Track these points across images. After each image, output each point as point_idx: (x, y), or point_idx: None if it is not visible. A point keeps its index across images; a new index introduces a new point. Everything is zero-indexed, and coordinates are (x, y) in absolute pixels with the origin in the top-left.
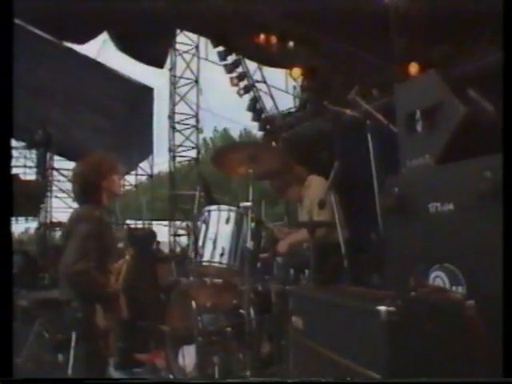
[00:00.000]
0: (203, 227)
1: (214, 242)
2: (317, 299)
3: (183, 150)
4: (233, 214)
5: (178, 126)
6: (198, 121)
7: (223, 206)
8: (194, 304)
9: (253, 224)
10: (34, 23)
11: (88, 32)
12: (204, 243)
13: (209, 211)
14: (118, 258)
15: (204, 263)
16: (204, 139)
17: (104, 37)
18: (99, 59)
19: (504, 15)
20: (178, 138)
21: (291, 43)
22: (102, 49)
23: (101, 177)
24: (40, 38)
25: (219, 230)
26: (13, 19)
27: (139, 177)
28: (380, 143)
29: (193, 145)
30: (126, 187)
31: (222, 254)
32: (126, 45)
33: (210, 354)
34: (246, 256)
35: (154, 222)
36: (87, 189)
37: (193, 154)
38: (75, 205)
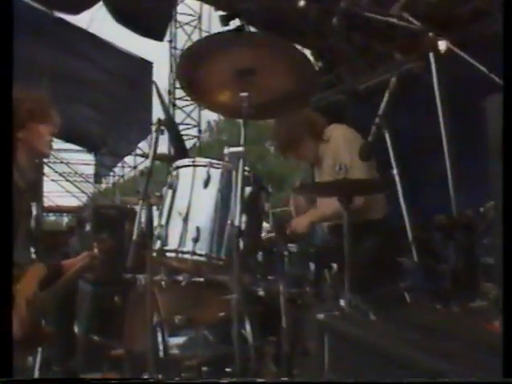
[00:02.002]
0: (168, 195)
1: (186, 219)
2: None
3: (184, 129)
4: (215, 173)
5: (178, 103)
6: None
7: (200, 159)
8: (154, 317)
9: (248, 188)
10: None
11: (82, 1)
12: (168, 220)
13: (177, 168)
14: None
15: (168, 253)
16: (208, 122)
17: (98, 7)
18: (92, 30)
19: (504, 15)
20: (179, 116)
21: (302, 3)
22: (95, 19)
23: (18, 123)
24: (29, 7)
25: (193, 197)
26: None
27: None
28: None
29: (194, 122)
30: (126, 169)
31: (196, 239)
32: (122, 16)
33: None
34: (234, 241)
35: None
36: None
37: (194, 132)
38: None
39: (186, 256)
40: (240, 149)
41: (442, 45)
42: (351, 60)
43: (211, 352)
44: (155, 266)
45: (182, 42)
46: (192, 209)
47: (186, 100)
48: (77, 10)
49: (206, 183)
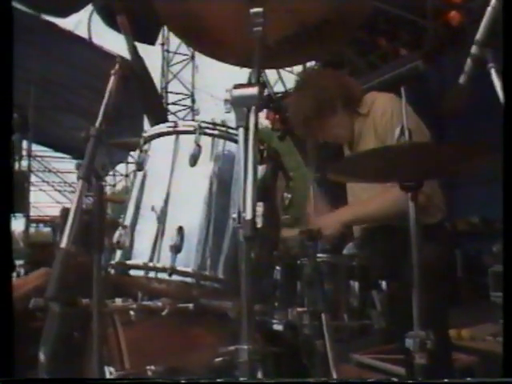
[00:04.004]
0: (136, 180)
1: (162, 217)
2: None
3: None
4: (209, 142)
5: (171, 108)
6: (193, 101)
7: (184, 122)
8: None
9: (262, 167)
10: None
11: (71, 4)
12: (135, 219)
13: (149, 139)
14: None
15: (133, 271)
16: None
17: (87, 9)
18: (79, 33)
19: (504, 15)
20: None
21: None
22: (82, 21)
23: None
24: (18, 11)
25: (174, 182)
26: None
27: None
28: None
29: None
30: (117, 177)
31: (177, 249)
32: (113, 19)
33: None
34: (244, 248)
35: None
36: None
37: None
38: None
39: (161, 275)
40: (252, 90)
41: None
42: (353, 60)
43: None
44: (126, 288)
45: (175, 45)
46: (172, 200)
47: (178, 105)
48: (65, 12)
49: (195, 159)
